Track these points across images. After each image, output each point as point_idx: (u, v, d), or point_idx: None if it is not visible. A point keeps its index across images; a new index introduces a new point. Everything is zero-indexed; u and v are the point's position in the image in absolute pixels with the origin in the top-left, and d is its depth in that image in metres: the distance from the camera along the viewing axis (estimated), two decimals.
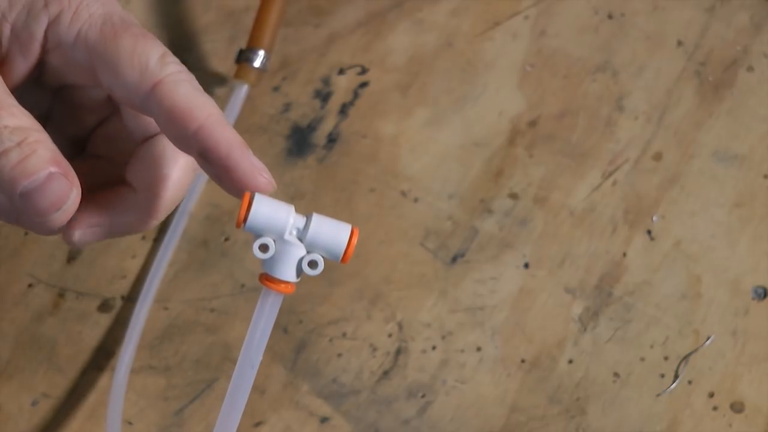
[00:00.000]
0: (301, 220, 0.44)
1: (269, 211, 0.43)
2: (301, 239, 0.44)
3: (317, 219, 0.44)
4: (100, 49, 0.44)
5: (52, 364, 0.69)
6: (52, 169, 0.42)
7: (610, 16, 0.83)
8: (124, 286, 0.71)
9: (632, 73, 0.80)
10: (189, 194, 0.73)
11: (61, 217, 0.43)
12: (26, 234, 0.73)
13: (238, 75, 0.76)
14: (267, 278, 0.44)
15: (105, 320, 0.70)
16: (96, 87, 0.47)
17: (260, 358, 0.46)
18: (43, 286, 0.71)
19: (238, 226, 0.43)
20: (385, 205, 0.75)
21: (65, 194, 0.43)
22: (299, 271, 0.45)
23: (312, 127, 0.77)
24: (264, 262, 0.44)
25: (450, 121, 0.78)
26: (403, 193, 0.75)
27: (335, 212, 0.74)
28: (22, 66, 0.45)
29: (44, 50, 0.45)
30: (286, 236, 0.44)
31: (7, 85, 0.44)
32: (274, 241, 0.44)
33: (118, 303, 0.71)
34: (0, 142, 0.42)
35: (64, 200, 0.43)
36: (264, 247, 0.44)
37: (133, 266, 0.72)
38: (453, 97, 0.79)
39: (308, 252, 0.44)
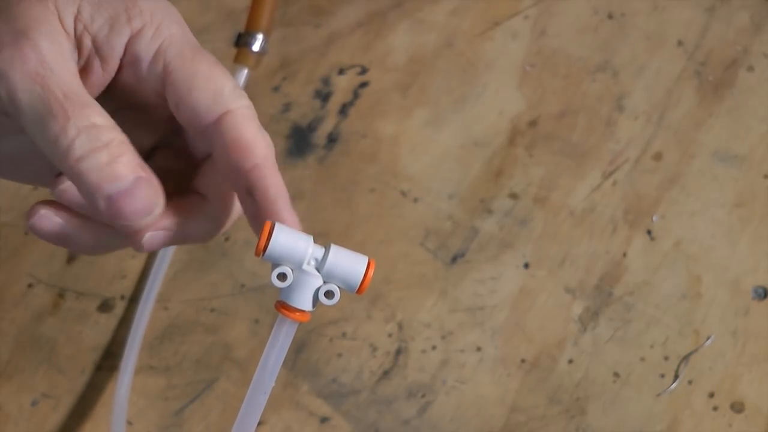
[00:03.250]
0: (319, 251, 0.45)
1: (289, 241, 0.44)
2: (318, 269, 0.44)
3: (335, 250, 0.45)
4: (178, 67, 0.45)
5: (52, 364, 0.69)
6: (140, 173, 0.43)
7: (610, 16, 0.83)
8: (124, 286, 0.71)
9: (632, 73, 0.80)
10: None
11: (149, 222, 0.43)
12: (26, 234, 0.73)
13: (237, 59, 0.75)
14: (283, 306, 0.45)
15: (105, 320, 0.70)
16: (159, 107, 0.48)
17: (272, 384, 0.46)
18: (43, 286, 0.71)
19: (257, 255, 0.44)
20: (385, 205, 0.75)
21: (152, 201, 0.43)
22: (315, 300, 0.45)
23: (312, 127, 0.77)
24: (281, 290, 0.45)
25: (450, 121, 0.78)
26: (403, 193, 0.75)
27: (335, 212, 0.74)
28: (99, 79, 0.46)
29: (122, 64, 0.46)
30: (305, 266, 0.44)
31: None
32: (292, 270, 0.44)
33: (118, 303, 0.71)
34: (88, 140, 0.42)
35: (152, 208, 0.43)
36: (282, 276, 0.44)
37: (133, 266, 0.72)
38: (453, 97, 0.79)
39: (325, 282, 0.45)
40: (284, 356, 0.46)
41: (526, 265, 0.73)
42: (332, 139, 0.77)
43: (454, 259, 0.73)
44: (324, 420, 0.68)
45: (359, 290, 0.45)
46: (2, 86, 0.42)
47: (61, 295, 0.71)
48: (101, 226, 0.46)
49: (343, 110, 0.78)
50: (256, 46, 0.75)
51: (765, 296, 0.72)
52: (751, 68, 0.80)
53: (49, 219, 0.46)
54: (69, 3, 0.44)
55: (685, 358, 0.70)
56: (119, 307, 0.71)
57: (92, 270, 0.72)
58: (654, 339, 0.70)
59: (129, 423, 0.67)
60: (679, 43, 0.81)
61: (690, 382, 0.69)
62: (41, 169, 0.47)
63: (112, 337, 0.70)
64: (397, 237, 0.73)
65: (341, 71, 0.80)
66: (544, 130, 0.78)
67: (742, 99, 0.79)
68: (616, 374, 0.69)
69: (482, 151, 0.77)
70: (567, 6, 0.83)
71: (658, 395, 0.68)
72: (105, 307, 0.71)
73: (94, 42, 0.45)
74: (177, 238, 0.47)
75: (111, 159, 0.42)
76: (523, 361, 0.69)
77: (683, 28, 0.82)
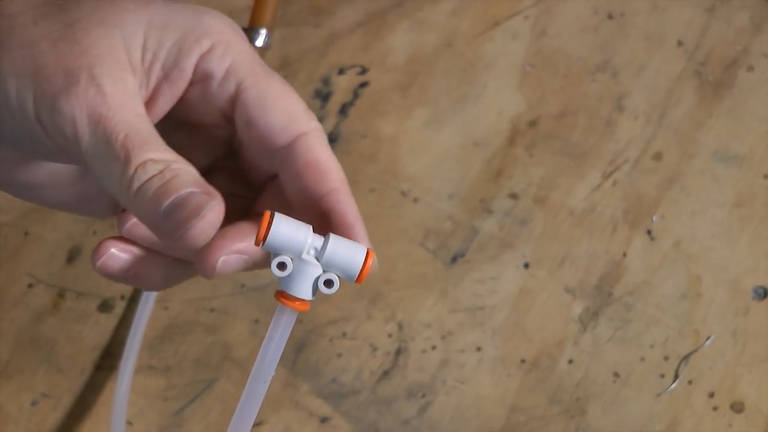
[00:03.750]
0: (318, 240, 0.45)
1: (288, 230, 0.44)
2: (318, 258, 0.45)
3: (334, 240, 0.45)
4: (251, 86, 0.45)
5: (52, 364, 0.69)
6: (194, 189, 0.42)
7: (610, 16, 0.83)
8: (124, 286, 0.71)
9: (632, 73, 0.80)
10: None
11: (202, 225, 0.42)
12: (26, 234, 0.73)
13: None
14: (283, 295, 0.45)
15: (105, 320, 0.70)
16: (218, 127, 0.47)
17: (272, 373, 0.47)
18: (43, 286, 0.71)
19: (257, 244, 0.44)
20: (385, 205, 0.75)
21: (204, 202, 0.42)
22: (315, 289, 0.45)
23: None
24: (281, 279, 0.45)
25: (450, 121, 0.78)
26: (403, 193, 0.75)
27: None
28: (167, 101, 0.45)
29: (189, 83, 0.45)
30: (304, 255, 0.44)
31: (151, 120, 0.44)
32: (292, 259, 0.44)
33: (118, 303, 0.71)
34: (145, 172, 0.42)
35: (202, 207, 0.42)
36: (282, 266, 0.44)
37: None
38: (453, 97, 0.79)
39: (324, 271, 0.45)
40: (284, 345, 0.46)
41: (526, 265, 0.73)
42: (332, 139, 0.77)
43: (454, 259, 0.73)
44: (324, 420, 0.68)
45: (358, 279, 0.45)
46: (68, 127, 0.42)
47: (61, 295, 0.71)
48: (170, 260, 0.46)
49: (343, 110, 0.78)
50: (259, 42, 0.74)
51: (765, 296, 0.72)
52: (751, 68, 0.80)
53: (117, 258, 0.45)
54: (136, 32, 0.44)
55: (685, 358, 0.70)
56: (119, 307, 0.71)
57: (92, 270, 0.72)
58: (654, 339, 0.70)
59: (129, 423, 0.67)
60: (679, 43, 0.81)
61: (690, 382, 0.69)
62: (87, 196, 0.47)
63: (112, 337, 0.70)
64: (397, 237, 0.73)
65: (341, 71, 0.80)
66: (544, 130, 0.78)
67: (742, 99, 0.79)
68: (616, 374, 0.69)
69: (482, 151, 0.77)
70: (567, 6, 0.83)
71: (658, 395, 0.68)
72: (105, 307, 0.71)
73: (162, 67, 0.44)
74: (248, 262, 0.46)
75: (164, 181, 0.42)
76: (523, 361, 0.69)
77: (683, 28, 0.82)
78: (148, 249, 0.46)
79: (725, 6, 0.83)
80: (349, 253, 0.45)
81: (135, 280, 0.46)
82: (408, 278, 0.72)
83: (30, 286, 0.72)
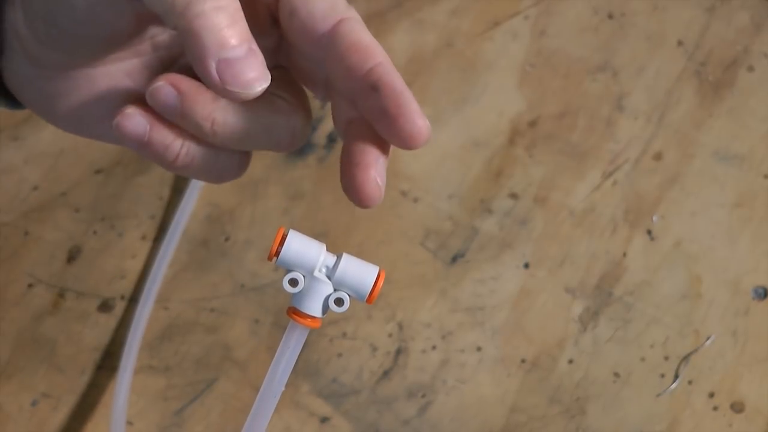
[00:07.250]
0: (331, 259, 0.45)
1: (301, 247, 0.44)
2: (329, 277, 0.45)
3: (347, 259, 0.45)
4: None
5: (52, 364, 0.69)
6: (253, 46, 0.43)
7: (610, 16, 0.83)
8: (124, 286, 0.72)
9: (632, 73, 0.80)
10: (189, 194, 0.73)
11: (259, 92, 0.43)
12: (26, 234, 0.73)
13: None
14: (295, 312, 0.45)
15: (105, 320, 0.71)
16: (264, 36, 0.48)
17: (282, 388, 0.47)
18: (43, 286, 0.71)
19: (269, 259, 0.44)
20: (385, 205, 0.75)
21: (265, 72, 0.43)
22: (325, 307, 0.45)
23: (312, 127, 0.77)
24: (292, 296, 0.45)
25: (450, 121, 0.78)
26: (403, 193, 0.75)
27: (335, 212, 0.74)
28: None
29: None
30: (316, 273, 0.45)
31: None
32: (304, 276, 0.45)
33: (118, 303, 0.71)
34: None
35: (267, 78, 0.43)
36: (293, 282, 0.45)
37: (133, 266, 0.72)
38: (453, 97, 0.79)
39: (335, 290, 0.45)
40: (295, 361, 0.46)
41: (526, 265, 0.73)
42: (332, 139, 0.77)
43: (454, 259, 0.73)
44: (324, 420, 0.68)
45: (369, 299, 0.45)
46: None
47: (61, 295, 0.71)
48: (187, 136, 0.46)
49: None
50: None
51: (765, 296, 0.72)
52: (751, 68, 0.80)
53: (136, 119, 0.45)
54: None
55: (685, 358, 0.70)
56: (119, 307, 0.71)
57: (92, 270, 0.72)
58: (654, 339, 0.70)
59: (129, 423, 0.67)
60: (679, 43, 0.81)
61: (690, 382, 0.69)
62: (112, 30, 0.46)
63: (112, 337, 0.70)
64: (397, 237, 0.73)
65: None
66: (544, 130, 0.78)
67: (742, 99, 0.79)
68: (616, 374, 0.69)
69: (482, 151, 0.77)
70: (567, 6, 0.83)
71: (658, 395, 0.68)
72: (105, 307, 0.71)
73: None
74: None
75: (229, 23, 0.42)
76: (523, 361, 0.69)
77: (683, 28, 0.82)
78: (166, 120, 0.45)
79: (725, 6, 0.83)
80: (360, 272, 0.45)
81: (147, 147, 0.45)
82: (408, 278, 0.72)
83: (30, 286, 0.72)
